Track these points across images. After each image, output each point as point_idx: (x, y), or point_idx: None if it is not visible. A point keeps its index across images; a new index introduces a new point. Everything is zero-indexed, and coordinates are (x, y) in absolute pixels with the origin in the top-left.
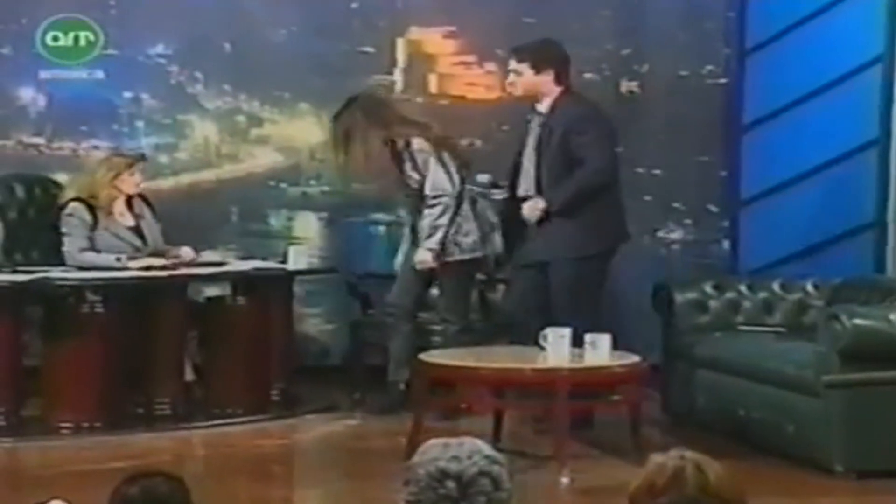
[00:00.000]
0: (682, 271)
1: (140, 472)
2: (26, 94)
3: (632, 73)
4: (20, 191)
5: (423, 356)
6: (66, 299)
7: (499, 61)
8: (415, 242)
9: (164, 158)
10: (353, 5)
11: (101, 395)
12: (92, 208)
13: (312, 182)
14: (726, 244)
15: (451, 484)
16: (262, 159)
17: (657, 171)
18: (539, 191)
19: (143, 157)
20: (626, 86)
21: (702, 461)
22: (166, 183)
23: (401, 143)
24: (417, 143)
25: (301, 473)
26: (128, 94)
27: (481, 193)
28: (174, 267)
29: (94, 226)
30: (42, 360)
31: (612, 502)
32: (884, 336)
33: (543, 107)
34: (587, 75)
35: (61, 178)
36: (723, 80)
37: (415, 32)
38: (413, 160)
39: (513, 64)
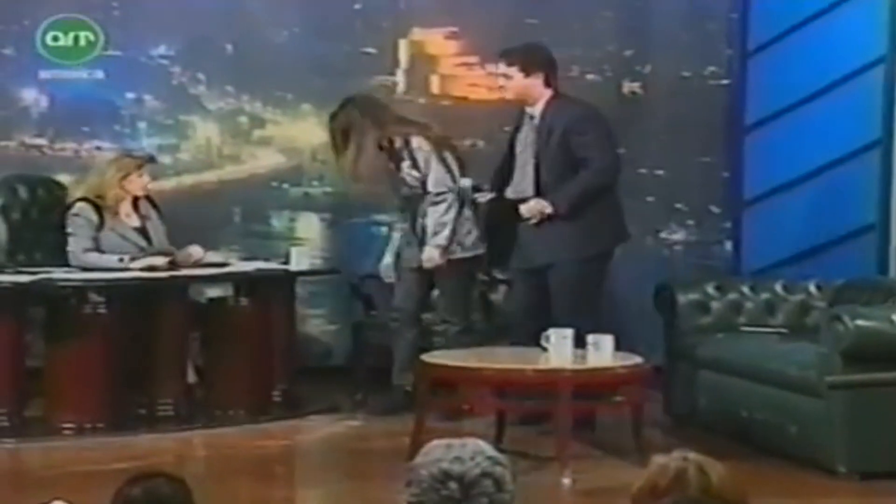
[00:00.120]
0: (684, 272)
1: (142, 473)
2: (29, 95)
3: (634, 73)
4: (23, 191)
5: (425, 357)
6: (69, 300)
7: None
8: (413, 242)
9: (166, 159)
10: (356, 6)
11: (104, 396)
12: (99, 208)
13: (315, 183)
14: (729, 245)
15: (453, 485)
16: (265, 160)
17: (659, 172)
18: (539, 192)
19: (152, 159)
20: (629, 87)
21: (704, 462)
22: (168, 184)
23: (399, 142)
24: (417, 141)
25: (303, 474)
26: (130, 95)
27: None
28: (176, 267)
29: (101, 226)
30: (44, 360)
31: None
32: (886, 337)
33: (536, 109)
34: (589, 76)
35: (64, 178)
36: (725, 81)
37: (417, 33)
38: (412, 158)
39: (502, 68)
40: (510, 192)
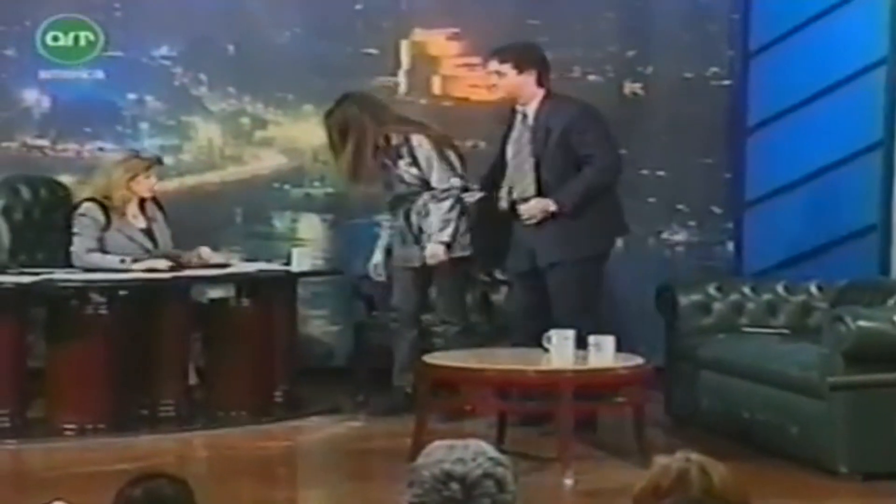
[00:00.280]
0: (685, 273)
1: (144, 473)
2: (30, 95)
3: (636, 74)
4: (25, 192)
5: (426, 358)
6: (70, 301)
7: None
8: (408, 241)
9: (168, 160)
10: (357, 7)
11: (105, 397)
12: (106, 209)
13: (316, 184)
14: (730, 246)
15: (455, 486)
16: (266, 161)
17: (661, 173)
18: (539, 192)
19: (159, 161)
20: (630, 87)
21: (706, 463)
22: (170, 185)
23: (398, 139)
24: (417, 139)
25: (304, 475)
26: (132, 96)
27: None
28: (179, 269)
29: (107, 226)
30: (46, 361)
31: None
32: (888, 338)
33: (529, 109)
34: (591, 77)
35: (66, 179)
36: (727, 82)
37: (418, 34)
38: (412, 156)
39: (495, 65)
40: (514, 193)
